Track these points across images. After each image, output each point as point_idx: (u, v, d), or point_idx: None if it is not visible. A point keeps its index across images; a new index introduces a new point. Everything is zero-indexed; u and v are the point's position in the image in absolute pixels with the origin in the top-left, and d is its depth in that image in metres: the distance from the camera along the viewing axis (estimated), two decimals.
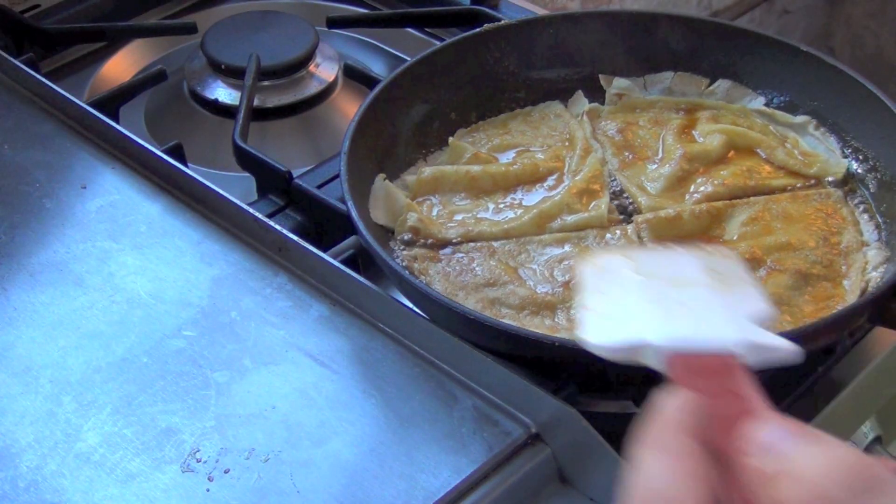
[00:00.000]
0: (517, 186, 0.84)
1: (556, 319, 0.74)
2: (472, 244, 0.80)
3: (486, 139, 0.89)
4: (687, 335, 0.45)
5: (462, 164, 0.85)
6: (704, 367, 0.44)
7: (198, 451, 0.65)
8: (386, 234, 0.81)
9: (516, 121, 0.91)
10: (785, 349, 0.46)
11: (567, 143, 0.87)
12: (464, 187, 0.84)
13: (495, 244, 0.80)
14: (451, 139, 0.88)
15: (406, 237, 0.80)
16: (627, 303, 0.48)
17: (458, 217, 0.82)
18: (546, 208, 0.81)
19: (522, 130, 0.89)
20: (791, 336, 0.66)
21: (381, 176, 0.83)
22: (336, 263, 0.74)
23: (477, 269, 0.78)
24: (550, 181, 0.85)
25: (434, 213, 0.82)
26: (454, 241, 0.80)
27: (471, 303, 0.75)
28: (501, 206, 0.83)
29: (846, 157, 0.85)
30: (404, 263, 0.78)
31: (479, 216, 0.82)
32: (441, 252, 0.80)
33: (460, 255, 0.79)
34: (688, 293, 0.48)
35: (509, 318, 0.74)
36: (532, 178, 0.84)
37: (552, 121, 0.90)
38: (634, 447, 0.44)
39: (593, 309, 0.49)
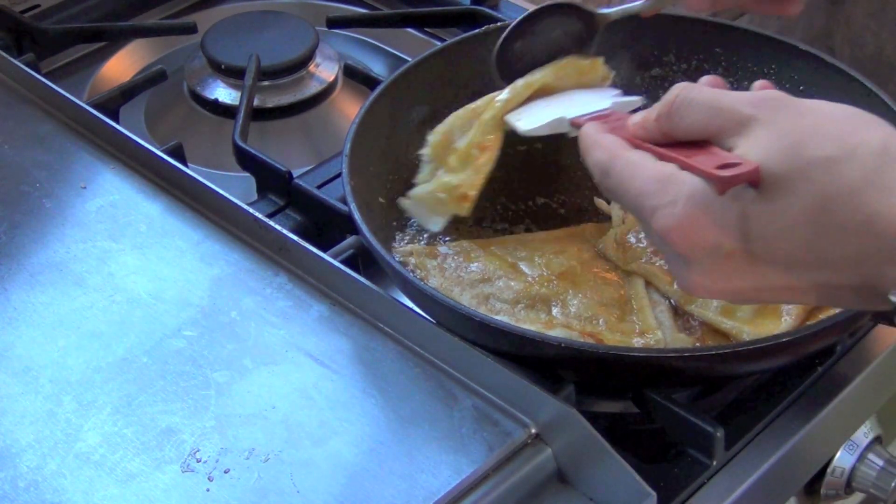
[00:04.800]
0: None
1: (552, 313, 0.74)
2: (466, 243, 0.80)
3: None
4: (582, 110, 0.71)
5: None
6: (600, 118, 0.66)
7: (198, 451, 0.65)
8: (386, 234, 0.81)
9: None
10: (636, 100, 0.73)
11: None
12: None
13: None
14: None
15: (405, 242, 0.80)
16: (541, 109, 0.75)
17: None
18: None
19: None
20: (795, 337, 0.67)
21: (407, 197, 0.80)
22: (336, 263, 0.74)
23: (472, 265, 0.78)
24: None
25: None
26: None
27: (466, 299, 0.75)
28: None
29: None
30: (400, 259, 0.78)
31: None
32: (438, 248, 0.80)
33: (456, 250, 0.79)
34: (577, 99, 0.75)
35: (504, 314, 0.74)
36: None
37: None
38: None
39: (520, 113, 0.75)
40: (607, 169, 0.60)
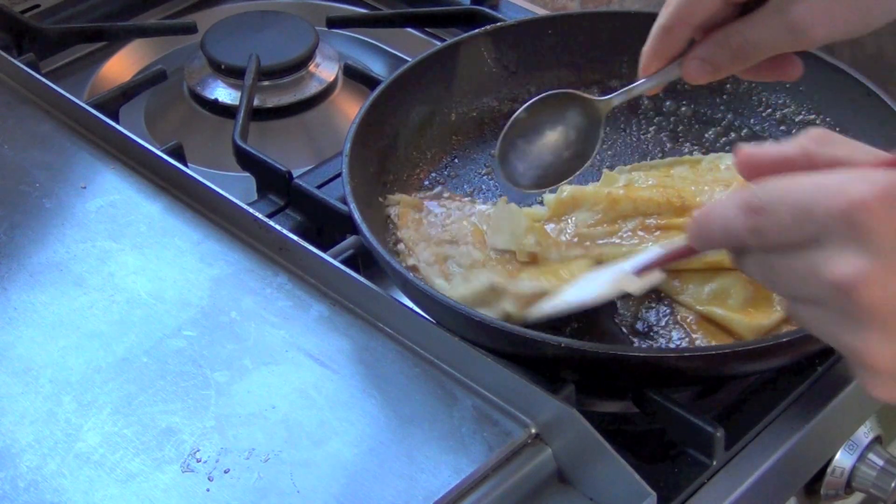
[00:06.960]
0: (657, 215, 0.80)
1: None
2: (451, 201, 0.81)
3: (644, 179, 0.84)
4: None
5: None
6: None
7: (198, 451, 0.65)
8: (386, 234, 0.81)
9: (683, 167, 0.86)
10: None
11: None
12: (602, 209, 0.80)
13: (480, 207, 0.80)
14: (605, 170, 0.84)
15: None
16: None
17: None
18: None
19: (685, 176, 0.84)
20: (795, 337, 0.67)
21: (504, 199, 0.81)
22: (336, 263, 0.74)
23: (451, 226, 0.78)
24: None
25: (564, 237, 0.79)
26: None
27: (425, 255, 0.75)
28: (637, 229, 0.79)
29: None
30: (387, 205, 0.78)
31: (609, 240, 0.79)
32: (426, 203, 0.80)
33: (441, 209, 0.79)
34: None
35: (459, 277, 0.75)
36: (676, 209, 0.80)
37: (721, 172, 0.84)
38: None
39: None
40: (757, 202, 0.49)
